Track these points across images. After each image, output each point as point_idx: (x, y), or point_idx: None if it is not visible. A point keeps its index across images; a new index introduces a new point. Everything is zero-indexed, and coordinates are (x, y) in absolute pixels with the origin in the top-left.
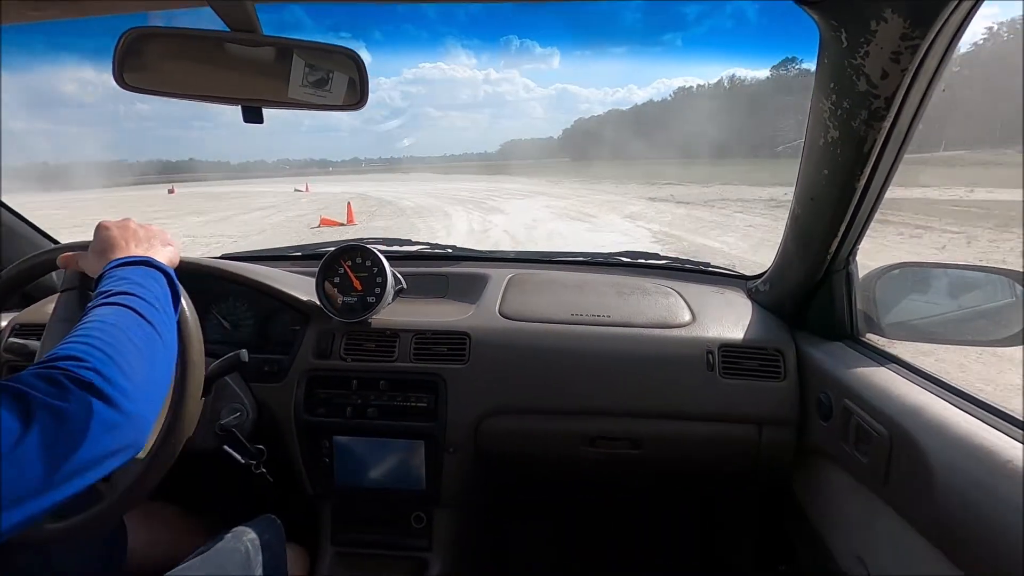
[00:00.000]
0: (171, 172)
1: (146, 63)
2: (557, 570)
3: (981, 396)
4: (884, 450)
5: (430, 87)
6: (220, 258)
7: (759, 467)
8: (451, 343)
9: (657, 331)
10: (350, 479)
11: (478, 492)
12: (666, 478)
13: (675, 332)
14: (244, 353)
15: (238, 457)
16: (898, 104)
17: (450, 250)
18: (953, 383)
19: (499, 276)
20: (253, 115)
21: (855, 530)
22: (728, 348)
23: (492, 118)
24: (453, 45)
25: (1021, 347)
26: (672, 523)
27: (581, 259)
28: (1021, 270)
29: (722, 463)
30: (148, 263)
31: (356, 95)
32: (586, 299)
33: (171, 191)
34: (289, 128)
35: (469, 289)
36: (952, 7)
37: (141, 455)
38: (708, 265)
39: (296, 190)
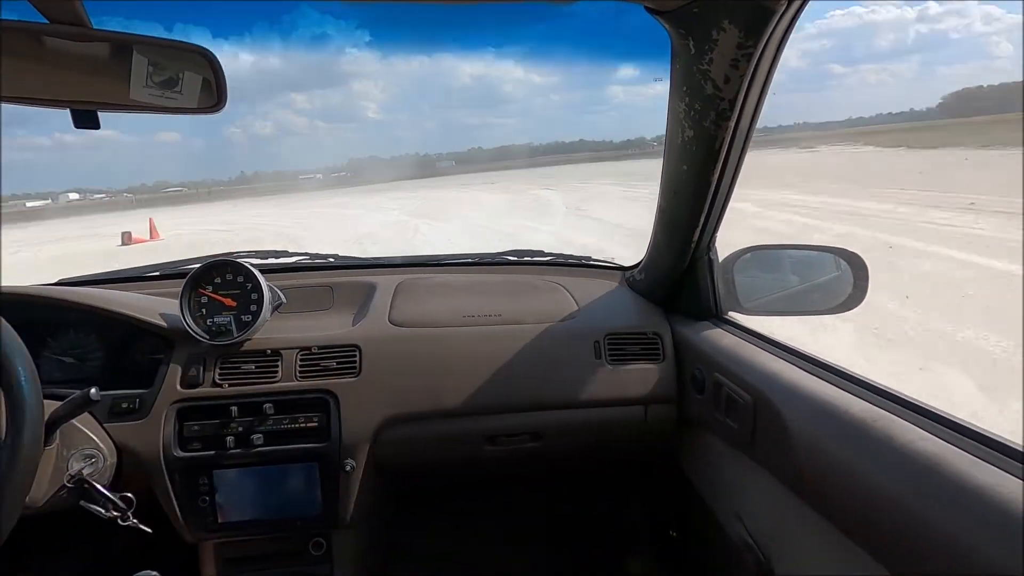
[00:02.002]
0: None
1: None
2: (464, 573)
3: (824, 359)
4: (749, 415)
5: (839, 38)
6: (55, 284)
7: (647, 444)
8: (341, 356)
9: (547, 325)
10: (235, 515)
11: (379, 507)
12: (566, 466)
13: (564, 325)
14: (95, 391)
15: (100, 511)
16: (740, 105)
17: (332, 259)
18: (801, 350)
19: (387, 283)
20: (86, 120)
21: (732, 490)
22: (613, 336)
23: (922, 66)
24: None
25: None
26: (574, 509)
27: (468, 260)
28: (844, 248)
29: (615, 444)
30: None
31: (212, 97)
32: (476, 300)
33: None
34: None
35: (356, 298)
36: (776, 20)
37: None
38: (589, 259)
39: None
